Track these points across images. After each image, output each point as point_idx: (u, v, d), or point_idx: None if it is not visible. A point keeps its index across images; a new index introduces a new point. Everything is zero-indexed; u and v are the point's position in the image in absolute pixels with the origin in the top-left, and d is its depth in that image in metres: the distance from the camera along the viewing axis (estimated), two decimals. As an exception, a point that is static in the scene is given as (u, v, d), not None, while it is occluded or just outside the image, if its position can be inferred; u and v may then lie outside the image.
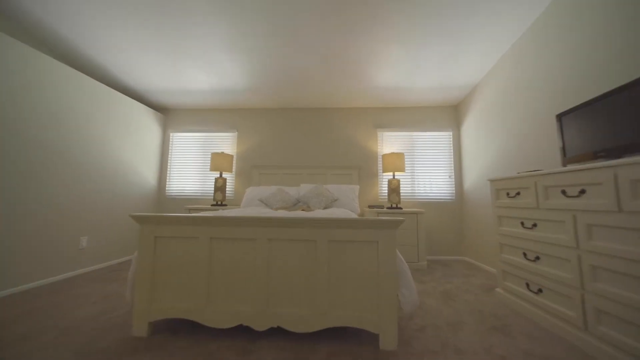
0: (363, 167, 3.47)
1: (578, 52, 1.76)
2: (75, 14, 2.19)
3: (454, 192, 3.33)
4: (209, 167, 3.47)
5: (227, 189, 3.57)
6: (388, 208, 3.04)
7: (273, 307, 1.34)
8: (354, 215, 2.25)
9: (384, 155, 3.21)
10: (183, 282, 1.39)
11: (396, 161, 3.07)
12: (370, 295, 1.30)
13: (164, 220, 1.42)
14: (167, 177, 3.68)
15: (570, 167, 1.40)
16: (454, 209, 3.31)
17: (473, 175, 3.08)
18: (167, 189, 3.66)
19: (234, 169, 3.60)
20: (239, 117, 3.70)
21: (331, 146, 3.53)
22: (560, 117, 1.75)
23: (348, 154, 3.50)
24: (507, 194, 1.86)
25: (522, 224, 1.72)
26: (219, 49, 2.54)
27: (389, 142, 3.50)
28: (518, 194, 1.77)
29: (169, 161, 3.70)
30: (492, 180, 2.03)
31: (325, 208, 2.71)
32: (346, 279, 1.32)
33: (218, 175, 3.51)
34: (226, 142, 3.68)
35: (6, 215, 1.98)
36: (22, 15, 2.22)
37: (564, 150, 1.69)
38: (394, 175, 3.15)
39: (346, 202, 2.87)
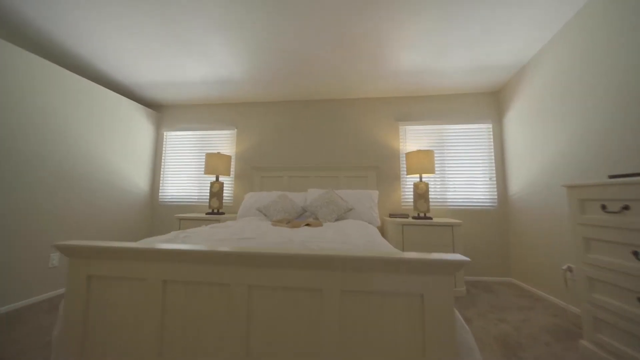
0: (382, 167, 2.93)
1: None
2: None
3: (496, 197, 2.72)
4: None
5: (226, 194, 3.15)
6: (414, 218, 2.49)
7: (255, 393, 0.85)
8: (372, 229, 1.73)
9: (408, 154, 2.65)
10: (125, 346, 0.94)
11: (424, 160, 2.51)
12: (412, 384, 0.78)
13: (99, 252, 0.97)
14: (161, 181, 3.30)
15: None
16: (496, 218, 2.70)
17: (522, 178, 2.46)
18: (160, 194, 3.28)
19: (232, 171, 3.17)
20: (238, 112, 3.26)
21: (344, 144, 3.02)
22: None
23: (364, 153, 2.98)
24: (603, 207, 1.28)
25: (637, 254, 1.13)
26: (212, 34, 2.11)
27: (413, 138, 2.94)
28: (626, 208, 1.18)
29: (162, 163, 3.33)
30: (571, 187, 1.45)
31: (337, 220, 2.20)
32: (369, 356, 0.81)
33: (214, 179, 3.09)
34: (225, 141, 3.26)
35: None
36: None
37: None
38: (420, 178, 2.59)
39: (363, 211, 2.35)
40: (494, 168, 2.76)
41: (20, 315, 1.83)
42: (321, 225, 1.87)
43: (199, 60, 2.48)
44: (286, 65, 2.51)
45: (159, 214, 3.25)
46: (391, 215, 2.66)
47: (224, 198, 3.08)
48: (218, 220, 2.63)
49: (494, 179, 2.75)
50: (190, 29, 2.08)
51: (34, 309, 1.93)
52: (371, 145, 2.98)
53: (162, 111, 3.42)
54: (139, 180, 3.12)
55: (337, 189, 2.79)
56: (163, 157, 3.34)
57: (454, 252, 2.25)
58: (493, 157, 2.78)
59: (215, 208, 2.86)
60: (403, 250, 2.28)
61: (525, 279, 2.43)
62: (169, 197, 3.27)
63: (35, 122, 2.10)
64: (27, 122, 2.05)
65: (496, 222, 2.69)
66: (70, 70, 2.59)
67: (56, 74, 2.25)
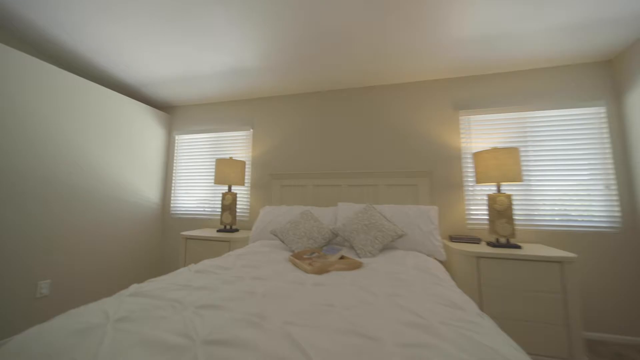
0: (436, 172, 2.20)
1: None
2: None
3: (619, 215, 1.84)
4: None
5: (241, 206, 2.67)
6: (491, 244, 1.75)
7: None
8: (450, 288, 1.05)
9: (477, 155, 1.91)
10: None
11: (505, 163, 1.74)
12: None
13: None
14: (172, 192, 2.94)
15: None
16: (622, 246, 1.81)
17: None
18: (172, 206, 2.92)
19: (247, 180, 2.67)
20: (254, 109, 2.77)
21: (384, 143, 2.35)
22: None
23: (412, 154, 2.28)
24: None
25: None
26: (215, 10, 1.63)
27: (481, 132, 2.16)
28: None
29: (174, 170, 2.97)
30: None
31: (382, 251, 1.55)
32: None
33: (226, 190, 2.63)
34: (239, 144, 2.79)
35: None
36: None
37: None
38: (499, 188, 1.82)
39: (418, 237, 1.66)
40: (613, 171, 1.88)
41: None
42: (359, 266, 1.24)
43: (205, 47, 2.02)
44: (309, 46, 1.94)
45: (171, 228, 2.89)
46: (453, 239, 1.93)
47: (237, 211, 2.60)
48: (228, 242, 2.14)
49: (614, 186, 1.87)
50: (190, 6, 1.62)
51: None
52: (421, 143, 2.26)
53: (173, 112, 3.07)
54: (149, 191, 2.78)
55: (376, 203, 2.14)
56: (174, 163, 2.98)
57: (566, 299, 1.46)
58: (610, 155, 1.90)
59: (228, 224, 2.39)
60: (481, 299, 1.55)
61: (681, 344, 1.54)
62: (181, 209, 2.89)
63: (24, 129, 1.78)
64: (15, 129, 1.73)
65: (622, 252, 1.80)
66: (72, 72, 2.31)
67: (51, 75, 1.93)
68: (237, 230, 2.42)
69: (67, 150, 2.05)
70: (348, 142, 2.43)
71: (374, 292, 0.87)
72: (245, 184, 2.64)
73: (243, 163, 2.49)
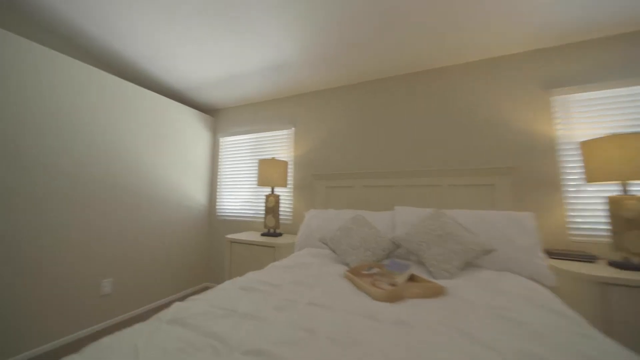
0: (520, 169, 1.76)
1: None
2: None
3: None
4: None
5: (284, 209, 2.54)
6: (615, 265, 1.29)
7: None
8: (567, 310, 0.70)
9: (587, 144, 1.44)
10: None
11: (634, 154, 1.27)
12: None
13: None
14: (217, 193, 2.96)
15: None
16: None
17: None
18: (217, 208, 2.94)
19: (290, 181, 2.53)
20: (295, 106, 2.61)
21: (448, 135, 1.98)
22: None
23: (484, 147, 1.86)
24: None
25: None
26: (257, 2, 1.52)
27: (585, 115, 1.66)
28: None
29: (219, 173, 2.99)
30: None
31: (463, 269, 1.22)
32: None
33: (269, 192, 2.52)
34: (281, 144, 2.67)
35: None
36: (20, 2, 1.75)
37: None
38: (624, 189, 1.34)
39: (511, 253, 1.28)
40: None
41: (68, 352, 1.56)
42: (441, 292, 0.95)
43: (247, 43, 1.94)
44: (357, 28, 1.70)
45: (217, 230, 2.90)
46: (552, 255, 1.49)
47: (280, 214, 2.47)
48: (273, 248, 2.00)
49: None
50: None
51: (78, 347, 1.66)
52: (498, 133, 1.83)
53: (216, 115, 3.10)
54: (197, 193, 2.83)
55: (440, 207, 1.79)
56: (219, 166, 3.00)
57: None
58: None
59: (271, 227, 2.27)
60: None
61: None
62: (227, 210, 2.89)
63: (83, 138, 1.89)
64: (73, 137, 1.84)
65: None
66: (131, 82, 2.44)
67: (115, 85, 2.03)
68: (280, 234, 2.29)
69: (127, 156, 2.14)
70: (403, 136, 2.11)
71: (492, 345, 0.59)
72: (288, 185, 2.50)
73: (285, 163, 2.35)
